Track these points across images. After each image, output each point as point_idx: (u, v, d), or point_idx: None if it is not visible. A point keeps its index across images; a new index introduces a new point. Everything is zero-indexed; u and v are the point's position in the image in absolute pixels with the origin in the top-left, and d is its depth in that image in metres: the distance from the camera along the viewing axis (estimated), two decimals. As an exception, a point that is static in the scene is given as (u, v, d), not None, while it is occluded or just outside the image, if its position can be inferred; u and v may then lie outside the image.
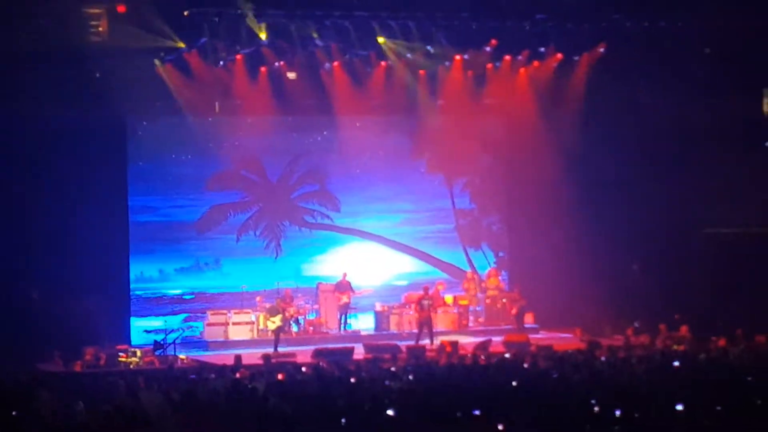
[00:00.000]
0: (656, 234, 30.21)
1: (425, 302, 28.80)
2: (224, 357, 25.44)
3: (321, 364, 22.05)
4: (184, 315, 31.32)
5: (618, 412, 13.04)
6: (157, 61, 29.38)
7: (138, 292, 31.38)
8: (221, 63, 29.83)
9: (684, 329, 26.51)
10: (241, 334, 29.83)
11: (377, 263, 33.33)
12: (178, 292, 32.16)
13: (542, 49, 30.93)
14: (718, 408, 13.14)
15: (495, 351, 25.49)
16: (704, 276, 28.89)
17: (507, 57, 31.19)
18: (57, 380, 21.51)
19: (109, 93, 28.28)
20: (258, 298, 30.51)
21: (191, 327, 30.47)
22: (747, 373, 17.06)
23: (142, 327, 30.10)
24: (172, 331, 27.93)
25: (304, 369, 20.61)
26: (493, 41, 30.57)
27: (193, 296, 32.22)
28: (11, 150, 28.11)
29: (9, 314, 27.64)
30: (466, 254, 34.08)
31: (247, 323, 30.11)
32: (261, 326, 29.64)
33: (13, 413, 15.44)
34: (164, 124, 31.43)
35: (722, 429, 11.87)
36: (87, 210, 28.55)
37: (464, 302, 31.51)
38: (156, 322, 29.55)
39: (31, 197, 28.17)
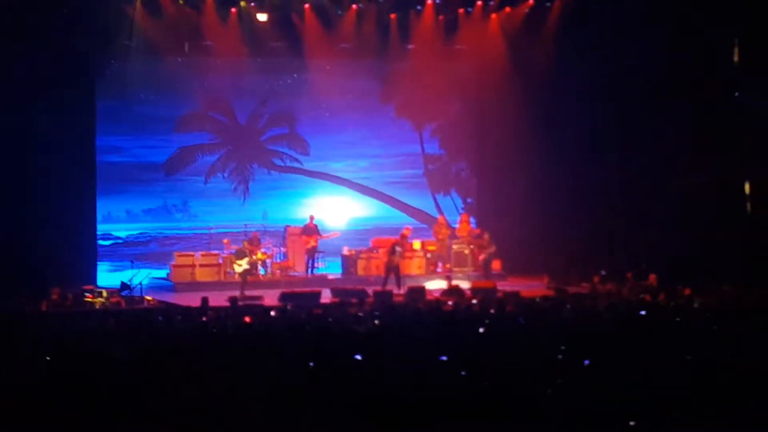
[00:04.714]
0: (625, 183, 30.21)
1: (398, 248, 28.69)
2: (191, 299, 25.40)
3: (288, 307, 22.02)
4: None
5: (586, 362, 13.03)
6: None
7: (104, 238, 31.32)
8: (191, 3, 29.65)
9: (652, 278, 26.59)
10: (208, 276, 29.76)
11: (345, 207, 33.34)
12: (144, 232, 32.10)
13: (514, -6, 30.92)
14: (687, 358, 13.20)
15: (462, 297, 25.46)
16: (672, 225, 28.91)
17: (479, 2, 31.10)
18: (24, 319, 21.40)
19: (77, 31, 28.03)
20: (225, 241, 30.38)
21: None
22: (712, 323, 17.11)
23: (108, 269, 30.11)
24: (139, 272, 27.87)
25: (272, 312, 20.55)
26: (465, -15, 30.56)
27: (159, 237, 32.19)
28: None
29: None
30: (435, 200, 34.10)
31: (214, 265, 30.04)
32: (228, 269, 29.60)
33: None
34: (133, 64, 31.15)
35: (693, 380, 11.91)
36: (54, 149, 28.27)
37: (432, 248, 31.49)
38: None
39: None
